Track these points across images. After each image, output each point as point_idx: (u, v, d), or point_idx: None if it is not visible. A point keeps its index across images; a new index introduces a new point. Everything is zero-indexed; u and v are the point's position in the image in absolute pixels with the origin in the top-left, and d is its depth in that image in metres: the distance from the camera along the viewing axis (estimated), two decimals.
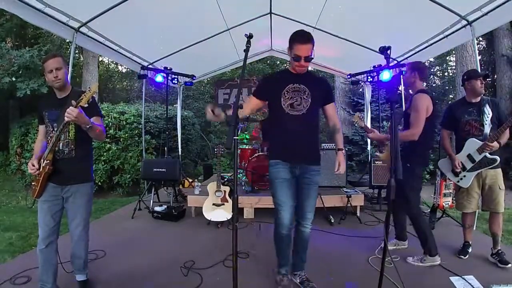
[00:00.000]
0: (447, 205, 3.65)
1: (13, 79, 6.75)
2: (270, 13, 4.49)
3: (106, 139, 5.94)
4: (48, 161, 1.93)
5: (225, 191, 3.62)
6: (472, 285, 2.20)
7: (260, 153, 4.28)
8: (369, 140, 6.49)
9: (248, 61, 4.60)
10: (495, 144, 2.42)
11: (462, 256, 2.67)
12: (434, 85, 11.39)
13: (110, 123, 6.29)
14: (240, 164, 4.42)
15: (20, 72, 6.85)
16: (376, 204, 4.44)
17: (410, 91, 2.76)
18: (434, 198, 3.67)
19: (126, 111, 6.73)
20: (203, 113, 10.76)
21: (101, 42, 3.98)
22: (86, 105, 1.84)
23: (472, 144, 2.54)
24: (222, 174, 3.90)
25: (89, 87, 1.88)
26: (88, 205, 2.12)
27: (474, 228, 3.02)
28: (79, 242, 2.10)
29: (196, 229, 3.57)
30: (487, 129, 2.52)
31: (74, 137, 2.02)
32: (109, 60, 12.88)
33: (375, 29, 4.22)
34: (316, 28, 4.58)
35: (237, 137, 1.60)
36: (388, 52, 1.82)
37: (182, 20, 4.16)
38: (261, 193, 4.01)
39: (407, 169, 2.38)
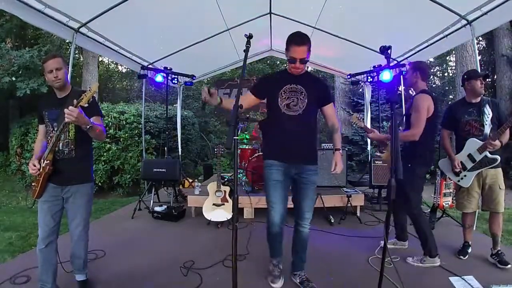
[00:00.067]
0: (447, 205, 3.65)
1: (13, 79, 6.74)
2: (270, 13, 4.50)
3: (106, 139, 5.93)
4: (48, 161, 1.93)
5: (225, 191, 3.62)
6: (471, 286, 2.20)
7: (260, 153, 4.28)
8: (369, 140, 6.49)
9: (248, 61, 4.60)
10: (497, 143, 2.41)
11: (462, 257, 2.66)
12: (434, 85, 11.39)
13: (110, 123, 6.28)
14: (240, 164, 4.42)
15: (20, 72, 6.85)
16: (376, 204, 4.44)
17: (412, 91, 2.75)
18: (434, 198, 3.67)
19: (126, 111, 6.72)
20: (203, 113, 10.81)
21: (101, 43, 3.98)
22: (86, 105, 1.84)
23: (472, 144, 2.54)
24: (222, 174, 3.90)
25: (89, 87, 1.88)
26: (88, 205, 2.12)
27: (474, 228, 3.02)
28: (79, 242, 2.10)
29: (196, 229, 3.57)
30: (487, 129, 2.52)
31: (74, 137, 2.02)
32: (109, 60, 12.89)
33: (375, 29, 4.22)
34: (316, 28, 4.59)
35: (237, 137, 1.60)
36: (389, 52, 1.82)
37: (182, 20, 4.16)
38: (261, 193, 4.00)
39: (408, 169, 2.38)
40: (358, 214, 3.93)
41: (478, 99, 2.60)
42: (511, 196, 5.32)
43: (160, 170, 4.28)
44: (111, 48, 4.22)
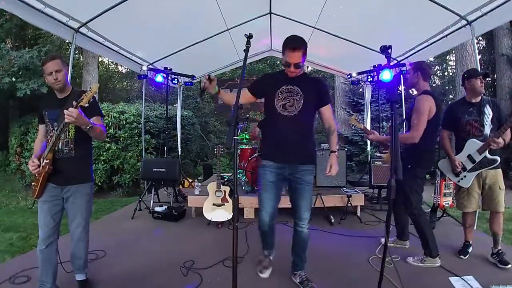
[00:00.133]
0: (447, 205, 3.65)
1: (13, 79, 6.75)
2: (270, 13, 4.50)
3: (106, 139, 5.94)
4: (48, 161, 1.93)
5: (225, 191, 3.62)
6: (471, 286, 2.20)
7: (260, 153, 4.27)
8: (368, 141, 6.49)
9: (248, 61, 4.60)
10: (501, 140, 2.39)
11: (463, 256, 2.66)
12: (434, 85, 11.39)
13: (110, 123, 6.28)
14: (240, 164, 4.42)
15: (20, 72, 6.85)
16: (377, 204, 4.44)
17: (413, 91, 2.74)
18: (434, 197, 3.67)
19: (126, 110, 6.72)
20: (203, 113, 10.82)
21: (100, 43, 3.98)
22: (86, 105, 1.84)
23: (472, 145, 2.53)
24: (222, 174, 3.90)
25: (90, 87, 1.88)
26: (88, 205, 2.12)
27: (475, 228, 3.02)
28: (79, 242, 2.10)
29: (196, 229, 3.57)
30: (487, 129, 2.51)
31: (74, 137, 2.02)
32: (109, 60, 12.87)
33: (375, 29, 4.22)
34: (316, 28, 4.59)
35: (237, 137, 1.60)
36: (389, 51, 1.82)
37: (182, 20, 4.16)
38: None
39: (408, 170, 2.38)
40: (359, 214, 3.93)
41: (478, 99, 2.59)
42: (511, 196, 5.32)
43: (160, 170, 4.28)
44: (111, 48, 4.22)
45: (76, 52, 9.51)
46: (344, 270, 2.53)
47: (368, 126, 5.90)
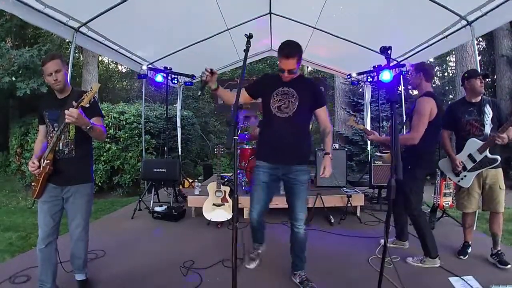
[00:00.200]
0: (447, 205, 3.65)
1: (13, 78, 6.74)
2: (270, 13, 4.50)
3: (106, 139, 5.93)
4: (49, 161, 1.93)
5: (225, 191, 3.62)
6: (471, 286, 2.20)
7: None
8: (368, 141, 6.49)
9: (248, 61, 4.60)
10: (505, 135, 2.37)
11: (462, 257, 2.66)
12: (434, 85, 11.38)
13: (110, 123, 6.29)
14: (240, 164, 4.42)
15: (20, 72, 6.84)
16: (376, 204, 4.44)
17: (412, 91, 2.74)
18: (434, 198, 3.67)
19: (126, 111, 6.73)
20: (203, 113, 10.82)
21: (101, 42, 3.98)
22: (87, 105, 1.84)
23: (472, 144, 2.53)
24: (222, 174, 3.90)
25: (90, 87, 1.87)
26: (88, 206, 2.12)
27: (474, 228, 3.02)
28: (78, 242, 2.10)
29: (196, 229, 3.57)
30: (487, 129, 2.51)
31: (74, 137, 2.01)
32: (109, 60, 12.88)
33: (375, 29, 4.22)
34: (316, 28, 4.59)
35: (237, 137, 1.61)
36: (389, 52, 1.82)
37: (182, 20, 4.16)
38: None
39: (408, 171, 2.37)
40: (358, 214, 3.93)
41: (478, 99, 2.59)
42: (511, 196, 5.32)
43: (160, 170, 4.28)
44: (111, 48, 4.22)
45: (76, 51, 9.50)
46: (344, 270, 2.53)
47: (368, 126, 5.90)
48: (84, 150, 2.09)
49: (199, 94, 9.18)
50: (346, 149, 5.19)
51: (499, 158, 2.49)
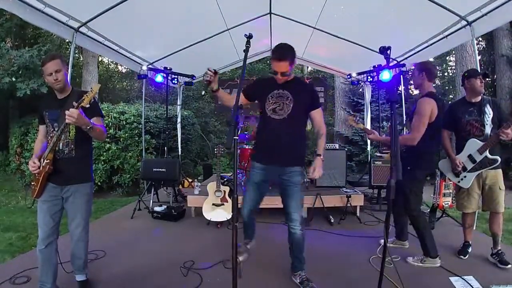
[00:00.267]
0: (446, 205, 3.65)
1: (13, 79, 6.74)
2: (270, 13, 4.50)
3: (106, 139, 5.93)
4: (49, 161, 1.93)
5: (224, 191, 3.62)
6: (471, 286, 2.21)
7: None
8: (368, 141, 6.49)
9: (248, 61, 4.60)
10: (510, 132, 2.34)
11: (462, 256, 2.67)
12: (434, 85, 11.38)
13: (110, 123, 6.29)
14: (239, 164, 4.42)
15: (20, 72, 6.84)
16: (376, 204, 4.44)
17: (415, 91, 2.73)
18: (434, 198, 3.67)
19: (126, 111, 6.73)
20: (203, 113, 10.82)
21: (100, 42, 3.98)
22: (87, 106, 1.84)
23: (472, 145, 2.53)
24: (221, 174, 3.90)
25: (91, 88, 1.87)
26: (88, 205, 2.12)
27: (474, 228, 3.02)
28: (79, 242, 2.10)
29: (196, 229, 3.57)
30: (488, 129, 2.51)
31: (74, 137, 2.01)
32: (109, 60, 12.86)
33: (375, 29, 4.22)
34: (316, 28, 4.59)
35: (237, 137, 1.61)
36: (388, 52, 1.82)
37: (182, 20, 4.16)
38: None
39: (407, 171, 2.37)
40: (358, 214, 3.93)
41: (479, 99, 2.59)
42: (511, 196, 5.33)
43: (160, 170, 4.28)
44: (111, 48, 4.22)
45: (76, 51, 9.49)
46: (344, 270, 2.53)
47: (368, 126, 5.90)
48: (84, 150, 2.09)
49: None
50: (346, 149, 5.18)
51: (499, 159, 2.48)
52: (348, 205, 3.86)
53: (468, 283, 2.23)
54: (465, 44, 6.45)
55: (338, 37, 4.67)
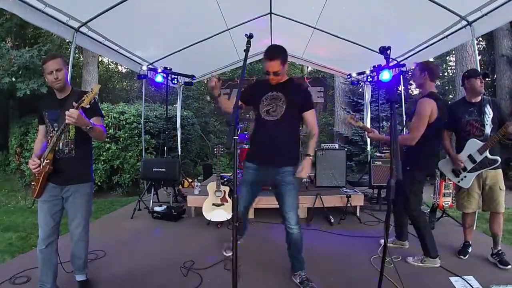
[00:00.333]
0: (446, 205, 3.65)
1: (13, 79, 6.74)
2: (270, 13, 4.50)
3: (106, 139, 5.93)
4: (49, 161, 1.93)
5: (224, 191, 3.62)
6: (471, 286, 2.21)
7: None
8: (368, 140, 6.50)
9: (248, 61, 4.60)
10: None
11: (462, 256, 2.67)
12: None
13: (110, 123, 6.29)
14: (239, 164, 4.42)
15: (20, 72, 6.84)
16: (376, 204, 4.44)
17: (415, 91, 2.73)
18: (434, 198, 3.67)
19: (126, 111, 6.73)
20: (203, 113, 10.82)
21: (101, 42, 3.97)
22: (88, 106, 1.84)
23: (473, 145, 2.53)
24: (221, 174, 3.90)
25: (91, 88, 1.88)
26: (88, 205, 2.12)
27: (474, 228, 3.02)
28: (79, 242, 2.10)
29: (196, 229, 3.57)
30: (488, 129, 2.51)
31: (74, 137, 2.01)
32: (109, 60, 12.86)
33: (375, 29, 4.22)
34: (316, 28, 4.59)
35: (237, 137, 1.61)
36: (388, 52, 1.82)
37: (182, 20, 4.16)
38: (261, 193, 3.99)
39: (406, 172, 2.37)
40: (358, 214, 3.93)
41: (479, 99, 2.58)
42: (511, 196, 5.33)
43: (160, 169, 4.28)
44: (111, 48, 4.21)
45: (76, 51, 9.49)
46: (344, 270, 2.53)
47: (368, 126, 5.90)
48: (84, 150, 2.09)
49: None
50: (346, 149, 5.19)
51: (499, 159, 2.48)
52: (348, 205, 3.86)
53: (468, 283, 2.23)
54: (465, 44, 6.45)
55: (338, 37, 4.66)
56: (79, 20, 3.44)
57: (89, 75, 8.50)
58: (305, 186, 4.43)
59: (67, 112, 1.76)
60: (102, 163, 6.15)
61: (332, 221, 3.70)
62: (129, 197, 6.11)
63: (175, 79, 5.40)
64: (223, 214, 3.56)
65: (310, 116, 2.28)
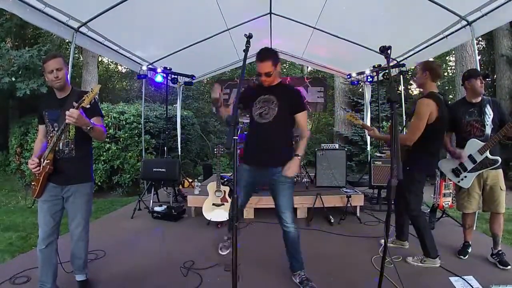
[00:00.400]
0: (447, 205, 3.65)
1: (13, 79, 6.74)
2: (270, 13, 4.50)
3: (106, 139, 5.94)
4: (49, 161, 1.93)
5: (225, 191, 3.62)
6: (471, 286, 2.21)
7: None
8: (368, 140, 6.50)
9: (248, 61, 4.58)
10: None
11: (462, 256, 2.66)
12: None
13: (110, 123, 6.29)
14: (239, 164, 4.42)
15: (20, 72, 6.84)
16: (376, 204, 4.44)
17: (415, 91, 2.73)
18: (434, 198, 3.67)
19: (126, 111, 6.73)
20: (203, 113, 10.82)
21: (100, 42, 3.98)
22: (88, 106, 1.84)
23: (473, 145, 2.52)
24: (221, 174, 3.90)
25: (91, 88, 1.88)
26: (88, 205, 2.12)
27: (474, 228, 3.02)
28: (79, 242, 2.10)
29: (196, 229, 3.57)
30: (488, 129, 2.50)
31: (74, 137, 2.02)
32: (109, 60, 12.86)
33: (375, 29, 4.22)
34: (316, 28, 4.59)
35: (236, 137, 1.61)
36: (388, 52, 1.82)
37: (182, 20, 4.16)
38: (261, 193, 4.00)
39: (406, 172, 2.36)
40: (358, 214, 3.93)
41: (479, 99, 2.58)
42: (511, 196, 5.33)
43: (160, 170, 4.28)
44: (111, 48, 4.22)
45: (76, 51, 9.50)
46: (344, 270, 2.53)
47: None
48: (84, 150, 2.10)
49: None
50: (346, 149, 5.18)
51: (499, 159, 2.48)
52: (348, 205, 3.86)
53: (468, 283, 2.23)
54: (465, 44, 6.45)
55: (338, 37, 4.67)
56: (79, 20, 3.45)
57: (89, 75, 8.50)
58: (305, 186, 4.43)
59: (67, 112, 1.76)
60: (102, 163, 6.15)
61: (332, 221, 3.70)
62: (129, 197, 6.11)
63: (175, 79, 5.41)
64: (223, 214, 3.55)
65: (301, 118, 2.32)
